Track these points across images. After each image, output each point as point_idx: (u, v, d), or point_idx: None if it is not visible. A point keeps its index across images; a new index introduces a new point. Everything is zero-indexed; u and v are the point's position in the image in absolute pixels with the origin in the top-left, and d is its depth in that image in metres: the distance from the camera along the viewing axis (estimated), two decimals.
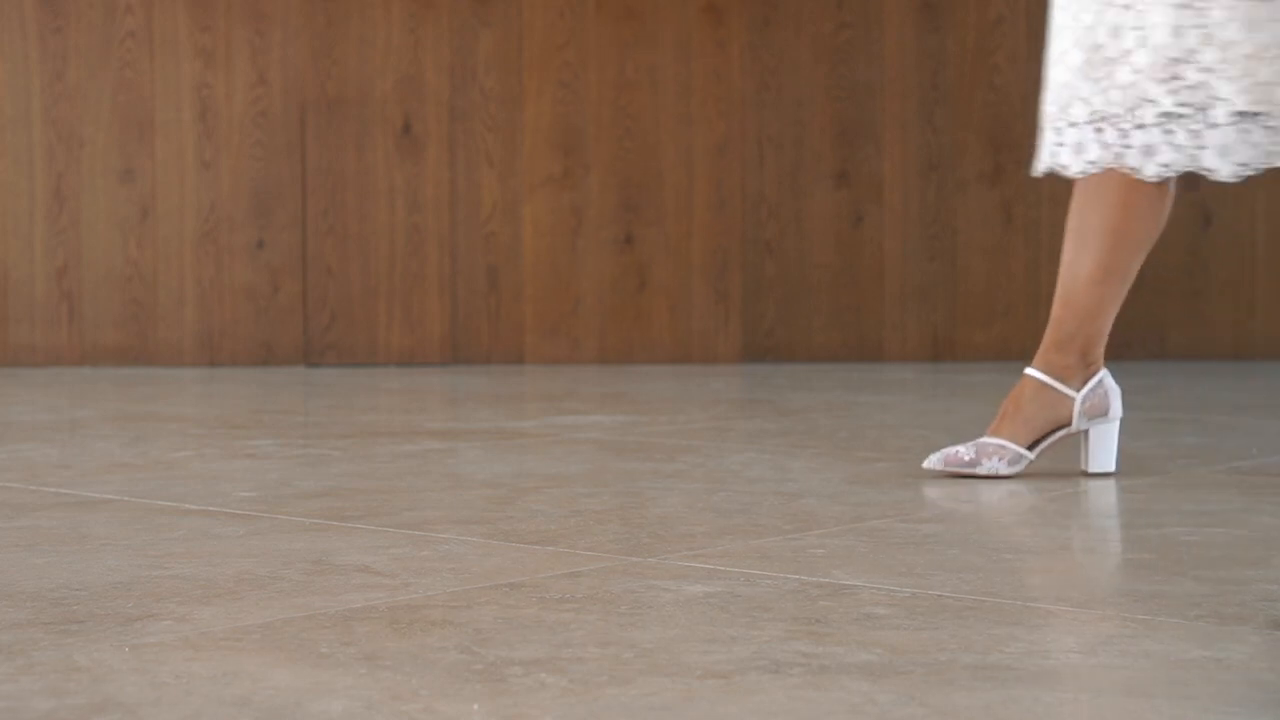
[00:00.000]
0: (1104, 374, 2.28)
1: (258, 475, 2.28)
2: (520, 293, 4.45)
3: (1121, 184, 2.21)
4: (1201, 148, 2.15)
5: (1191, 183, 4.52)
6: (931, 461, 2.24)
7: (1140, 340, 4.54)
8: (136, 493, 2.11)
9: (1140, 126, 2.18)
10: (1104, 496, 2.08)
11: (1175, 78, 2.15)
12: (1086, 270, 2.25)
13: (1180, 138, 2.16)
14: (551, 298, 4.45)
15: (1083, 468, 2.28)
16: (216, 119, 4.40)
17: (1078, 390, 2.26)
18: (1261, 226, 4.54)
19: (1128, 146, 2.19)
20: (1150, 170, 2.18)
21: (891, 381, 3.95)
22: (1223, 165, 2.14)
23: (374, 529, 1.84)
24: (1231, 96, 2.13)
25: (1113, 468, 2.28)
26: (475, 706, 1.12)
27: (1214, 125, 2.14)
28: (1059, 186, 4.51)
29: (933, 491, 2.11)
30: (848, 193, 4.50)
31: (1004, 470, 2.23)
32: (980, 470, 2.23)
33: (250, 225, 4.41)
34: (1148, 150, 2.18)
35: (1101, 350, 2.29)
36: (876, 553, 1.67)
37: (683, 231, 4.43)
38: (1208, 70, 2.13)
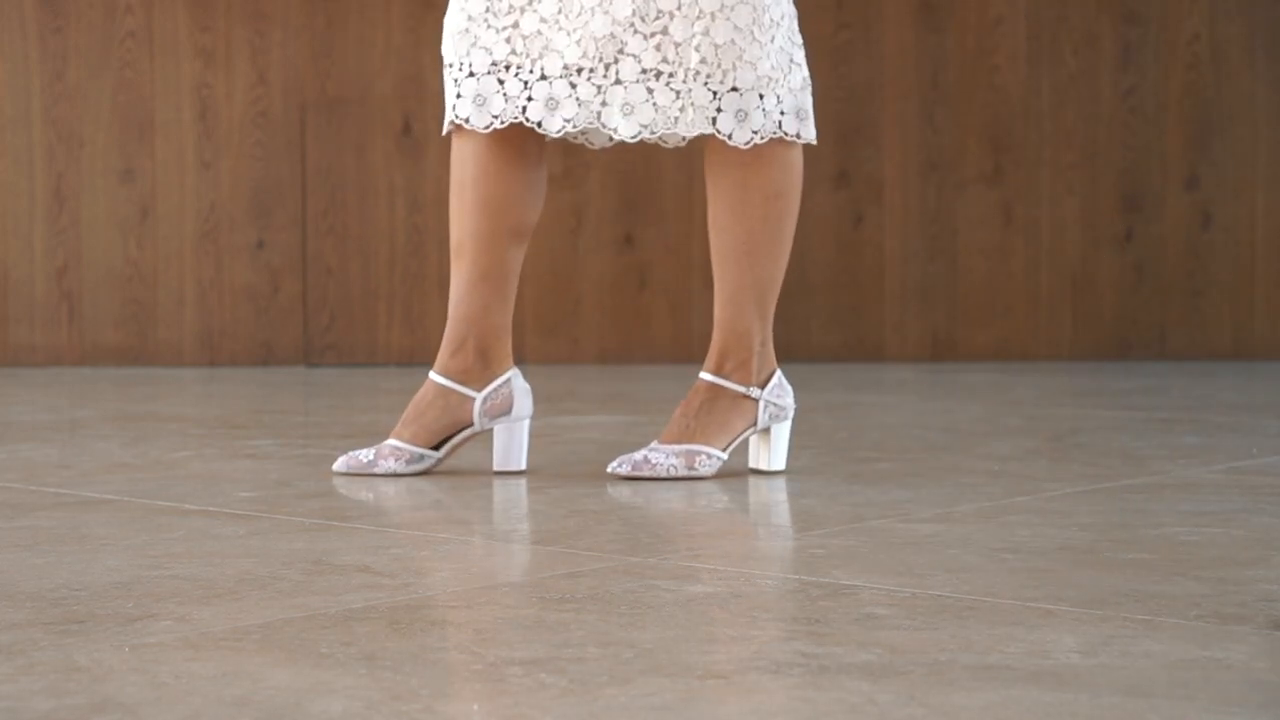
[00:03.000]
0: (512, 374, 2.28)
1: (258, 475, 2.28)
2: (520, 293, 4.45)
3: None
4: (605, 105, 2.15)
5: (1192, 182, 4.53)
6: (337, 465, 2.27)
7: (1140, 340, 4.54)
8: (136, 493, 2.11)
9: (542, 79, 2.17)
10: (1103, 498, 2.08)
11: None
12: (463, 270, 2.27)
13: (582, 92, 2.16)
14: (551, 298, 4.45)
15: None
16: (216, 119, 4.40)
17: (478, 391, 2.26)
18: (1261, 226, 4.54)
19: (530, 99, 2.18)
20: (553, 126, 2.16)
21: (891, 381, 3.95)
22: (625, 125, 2.15)
23: (374, 529, 1.84)
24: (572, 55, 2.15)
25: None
26: (475, 706, 1.12)
27: (619, 82, 2.15)
28: (1059, 186, 4.51)
29: (932, 493, 2.11)
30: (848, 193, 4.50)
31: (402, 470, 2.25)
32: (378, 470, 2.25)
33: (250, 225, 4.41)
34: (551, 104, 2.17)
35: (505, 349, 2.28)
36: (876, 553, 1.67)
37: (683, 231, 4.43)
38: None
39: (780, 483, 2.20)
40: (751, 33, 2.20)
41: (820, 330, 4.49)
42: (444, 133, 2.27)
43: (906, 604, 1.42)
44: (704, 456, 2.22)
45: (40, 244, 4.39)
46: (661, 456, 2.20)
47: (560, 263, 4.44)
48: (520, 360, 4.45)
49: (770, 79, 2.22)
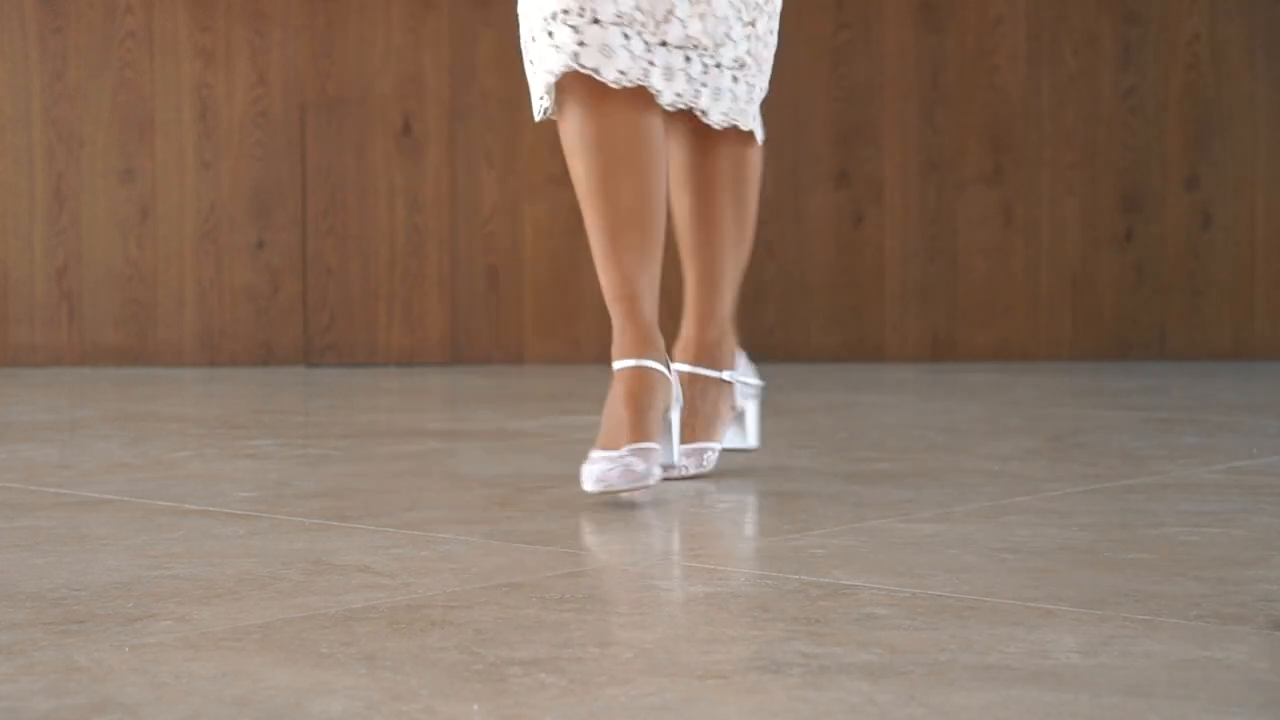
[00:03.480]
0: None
1: (258, 475, 2.28)
2: (520, 293, 4.45)
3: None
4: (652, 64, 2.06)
5: (1192, 182, 4.53)
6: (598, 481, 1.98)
7: (1140, 340, 4.54)
8: (136, 493, 2.11)
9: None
10: (1103, 498, 2.08)
11: None
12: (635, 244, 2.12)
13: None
14: (551, 298, 4.45)
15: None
16: (216, 119, 4.40)
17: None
18: (1261, 226, 4.54)
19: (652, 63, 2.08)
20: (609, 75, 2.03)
21: (891, 381, 3.95)
22: (715, 110, 2.14)
23: (374, 529, 1.84)
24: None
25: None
26: (475, 706, 1.12)
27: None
28: (1059, 186, 4.51)
29: (932, 493, 2.12)
30: (848, 193, 4.50)
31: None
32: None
33: (250, 225, 4.41)
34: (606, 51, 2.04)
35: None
36: (876, 553, 1.67)
37: None
38: None
39: (780, 483, 2.20)
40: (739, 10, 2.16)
41: (820, 330, 4.49)
42: (541, 111, 2.10)
43: (906, 604, 1.42)
44: (710, 453, 2.23)
45: (40, 244, 4.39)
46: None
47: (560, 263, 4.44)
48: (520, 360, 4.45)
49: (746, 65, 2.20)
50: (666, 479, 2.14)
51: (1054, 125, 4.50)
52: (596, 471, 1.94)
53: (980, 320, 4.51)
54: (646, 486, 1.95)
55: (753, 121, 2.23)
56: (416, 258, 4.43)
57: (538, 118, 2.11)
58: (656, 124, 2.08)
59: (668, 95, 2.08)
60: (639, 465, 1.95)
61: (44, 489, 2.15)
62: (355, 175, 4.43)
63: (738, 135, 2.24)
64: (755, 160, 2.28)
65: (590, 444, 2.15)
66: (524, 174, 4.43)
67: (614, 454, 1.97)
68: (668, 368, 2.09)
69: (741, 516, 1.94)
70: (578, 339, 4.43)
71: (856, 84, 4.48)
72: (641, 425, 2.01)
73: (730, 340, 2.30)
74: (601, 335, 4.38)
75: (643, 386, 2.04)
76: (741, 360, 2.31)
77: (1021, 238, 4.52)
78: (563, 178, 4.43)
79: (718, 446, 2.25)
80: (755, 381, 2.31)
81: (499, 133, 4.42)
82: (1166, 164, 4.53)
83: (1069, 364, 4.40)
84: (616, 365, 2.07)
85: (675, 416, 2.10)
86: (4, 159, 4.38)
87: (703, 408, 2.24)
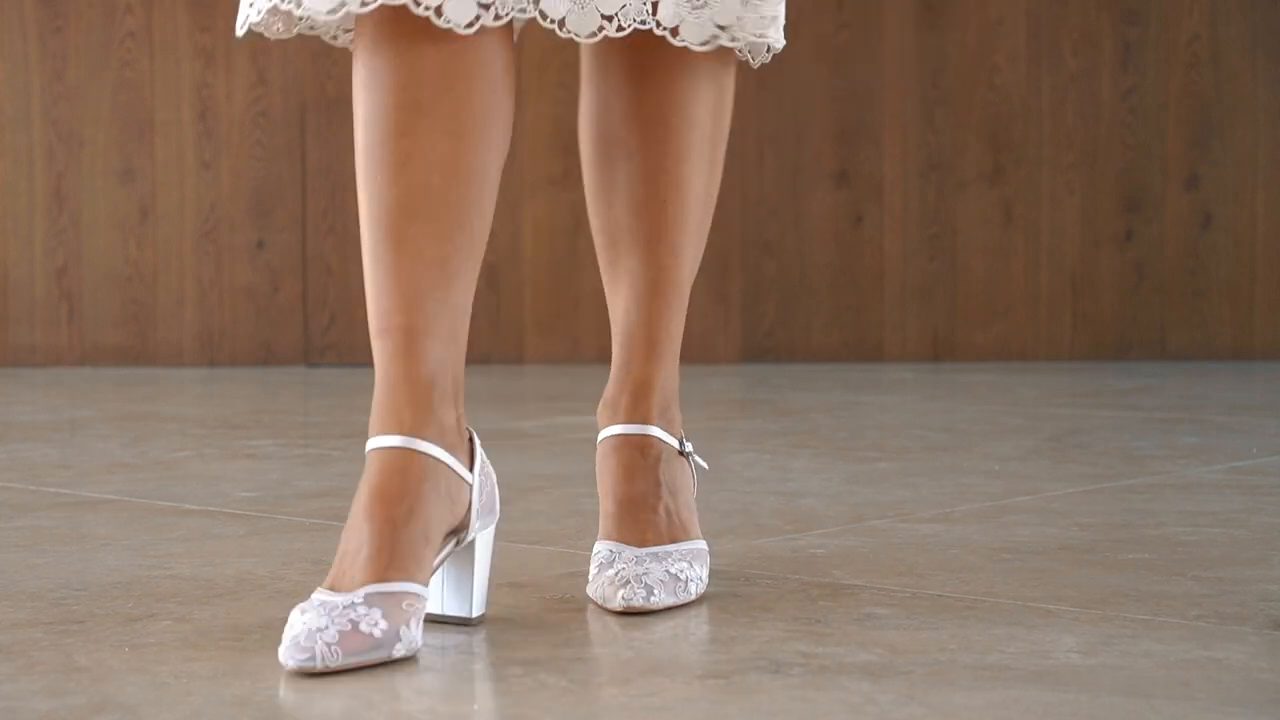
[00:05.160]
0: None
1: (258, 475, 2.28)
2: (520, 293, 4.45)
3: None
4: None
5: (1192, 182, 4.53)
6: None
7: (1140, 340, 4.54)
8: (136, 493, 2.11)
9: None
10: (1103, 498, 2.08)
11: None
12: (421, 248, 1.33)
13: None
14: (551, 298, 4.45)
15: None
16: (216, 119, 4.40)
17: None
18: (1261, 226, 4.54)
19: None
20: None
21: (891, 381, 3.95)
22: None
23: None
24: None
25: None
26: (475, 706, 1.12)
27: None
28: (1059, 186, 4.51)
29: (932, 493, 2.11)
30: (848, 193, 4.50)
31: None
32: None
33: (250, 225, 4.41)
34: None
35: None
36: (876, 553, 1.67)
37: None
38: None
39: (780, 483, 2.20)
40: None
41: (820, 330, 4.49)
42: (241, 30, 1.36)
43: (906, 604, 1.42)
44: (690, 565, 1.44)
45: (40, 244, 4.38)
46: (680, 565, 1.43)
47: (560, 262, 4.44)
48: (520, 360, 4.45)
49: None
50: (636, 611, 1.37)
51: (1054, 125, 4.50)
52: (295, 633, 1.19)
53: (980, 320, 4.51)
54: (389, 660, 1.20)
55: (778, 31, 1.48)
56: None
57: (240, 31, 1.37)
58: (496, 54, 1.35)
59: (589, 19, 1.37)
60: (373, 626, 1.20)
61: (44, 489, 2.15)
62: (355, 175, 4.43)
63: (715, 60, 1.49)
64: (729, 98, 1.54)
65: (590, 444, 2.11)
66: (523, 174, 4.43)
67: (337, 600, 1.21)
68: (468, 457, 1.33)
69: (741, 516, 1.94)
70: (577, 339, 4.43)
71: (856, 84, 4.48)
72: (391, 550, 1.24)
73: (675, 391, 1.53)
74: (602, 335, 4.38)
75: (404, 484, 1.26)
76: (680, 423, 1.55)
77: (1021, 237, 4.52)
78: (562, 178, 4.43)
79: (702, 549, 1.47)
80: (703, 464, 1.57)
81: None
82: (1166, 164, 4.53)
83: (1069, 364, 4.40)
84: (369, 444, 1.29)
85: (676, 505, 1.48)
86: (4, 159, 4.37)
87: (678, 489, 1.49)
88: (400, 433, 1.28)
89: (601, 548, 1.44)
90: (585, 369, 4.27)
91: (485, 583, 1.34)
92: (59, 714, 1.08)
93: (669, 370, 1.53)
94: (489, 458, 1.37)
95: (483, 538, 1.34)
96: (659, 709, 1.09)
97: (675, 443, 1.50)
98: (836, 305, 4.50)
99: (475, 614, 1.33)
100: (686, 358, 4.42)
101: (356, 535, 1.25)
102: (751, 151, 4.41)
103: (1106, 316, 4.53)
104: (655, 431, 1.49)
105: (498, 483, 1.38)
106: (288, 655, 1.18)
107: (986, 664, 1.21)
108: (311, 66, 4.40)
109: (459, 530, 1.31)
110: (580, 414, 3.14)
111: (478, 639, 1.29)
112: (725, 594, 1.46)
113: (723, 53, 1.48)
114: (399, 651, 1.20)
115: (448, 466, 1.29)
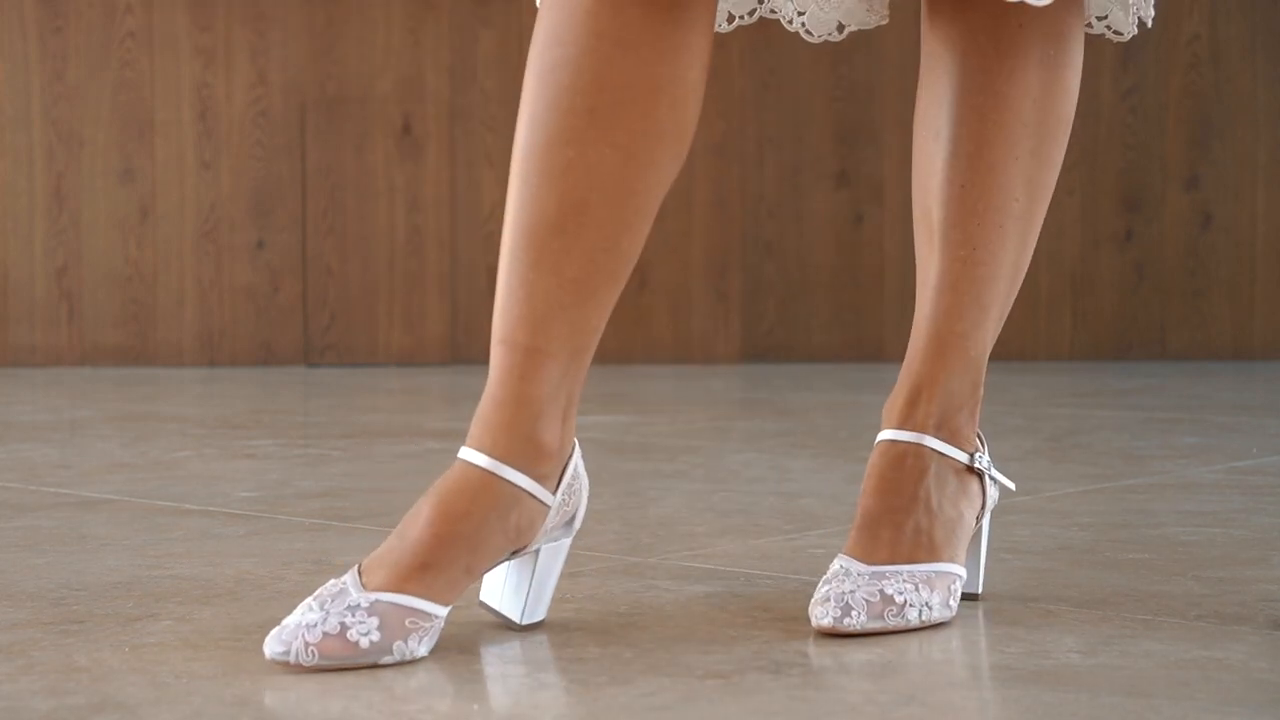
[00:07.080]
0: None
1: (258, 475, 2.28)
2: None
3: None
4: None
5: (1192, 182, 4.53)
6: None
7: (1140, 340, 4.54)
8: (136, 493, 2.11)
9: None
10: (1103, 498, 2.08)
11: None
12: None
13: None
14: None
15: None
16: (216, 119, 4.40)
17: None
18: (1261, 226, 4.54)
19: None
20: None
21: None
22: None
23: (374, 529, 1.84)
24: None
25: None
26: (475, 706, 1.12)
27: None
28: (1059, 186, 4.50)
29: None
30: (848, 193, 4.50)
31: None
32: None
33: (250, 225, 4.41)
34: None
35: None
36: None
37: (682, 231, 4.43)
38: None
39: (780, 483, 2.20)
40: None
41: (820, 330, 4.49)
42: None
43: None
44: (957, 581, 1.35)
45: (40, 244, 4.38)
46: (901, 587, 1.30)
47: None
48: None
49: None
50: (829, 632, 1.28)
51: None
52: (286, 622, 1.19)
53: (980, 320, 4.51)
54: (376, 664, 1.19)
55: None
56: (416, 258, 4.43)
57: None
58: (690, 67, 1.25)
59: None
60: (363, 635, 1.18)
61: (44, 489, 2.15)
62: (355, 175, 4.43)
63: (1047, 42, 1.36)
64: (1065, 88, 1.40)
65: (590, 444, 2.13)
66: None
67: (347, 597, 1.20)
68: (559, 474, 1.28)
69: (741, 516, 1.93)
70: None
71: (856, 84, 4.48)
72: (425, 566, 1.21)
73: (979, 398, 1.44)
74: (619, 332, 4.37)
75: (469, 508, 1.23)
76: (983, 441, 1.44)
77: None
78: None
79: (960, 571, 1.35)
80: (1007, 482, 1.44)
81: (499, 133, 4.42)
82: (1166, 164, 4.53)
83: (1069, 364, 4.40)
84: (461, 449, 1.26)
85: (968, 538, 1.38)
86: (4, 159, 4.37)
87: (941, 505, 1.37)
88: (489, 454, 1.24)
89: (835, 562, 1.34)
90: (591, 370, 4.27)
91: (544, 593, 1.32)
92: (59, 714, 1.08)
93: (960, 376, 1.41)
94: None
95: (550, 549, 1.31)
96: (659, 709, 1.09)
97: (961, 456, 1.38)
98: (836, 305, 4.50)
99: (522, 621, 1.30)
100: (685, 357, 4.43)
101: (405, 534, 1.23)
102: (751, 151, 4.41)
103: (1106, 316, 4.53)
104: (929, 442, 1.37)
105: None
106: (269, 642, 1.18)
107: (986, 664, 1.21)
108: (311, 66, 4.40)
109: (519, 550, 1.28)
110: (580, 414, 3.14)
111: (477, 639, 1.29)
112: (725, 594, 1.46)
113: (1058, 34, 1.35)
114: (386, 661, 1.19)
115: (529, 494, 1.25)
